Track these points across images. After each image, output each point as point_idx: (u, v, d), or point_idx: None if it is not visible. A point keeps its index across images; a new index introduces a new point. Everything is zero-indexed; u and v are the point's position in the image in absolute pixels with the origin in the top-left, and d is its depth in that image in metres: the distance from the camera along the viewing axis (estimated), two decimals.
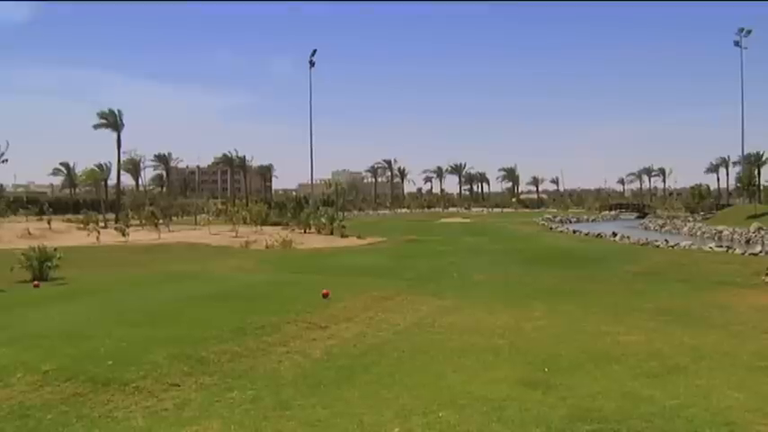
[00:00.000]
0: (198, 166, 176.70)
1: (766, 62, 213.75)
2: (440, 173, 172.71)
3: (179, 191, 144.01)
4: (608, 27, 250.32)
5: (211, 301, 17.01)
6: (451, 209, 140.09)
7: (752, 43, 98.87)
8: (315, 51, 78.49)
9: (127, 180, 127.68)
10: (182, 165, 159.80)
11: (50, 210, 69.38)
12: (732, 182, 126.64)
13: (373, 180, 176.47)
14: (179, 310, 15.57)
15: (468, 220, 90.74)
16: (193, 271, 26.23)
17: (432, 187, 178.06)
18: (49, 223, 58.51)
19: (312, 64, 78.83)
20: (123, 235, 49.16)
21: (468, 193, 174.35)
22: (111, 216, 72.80)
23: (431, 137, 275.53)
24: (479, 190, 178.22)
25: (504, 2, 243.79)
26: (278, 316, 14.86)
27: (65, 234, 52.43)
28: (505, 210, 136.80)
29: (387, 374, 10.39)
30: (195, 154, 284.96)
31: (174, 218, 73.52)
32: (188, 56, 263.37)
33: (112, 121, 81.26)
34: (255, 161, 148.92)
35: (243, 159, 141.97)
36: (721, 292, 21.32)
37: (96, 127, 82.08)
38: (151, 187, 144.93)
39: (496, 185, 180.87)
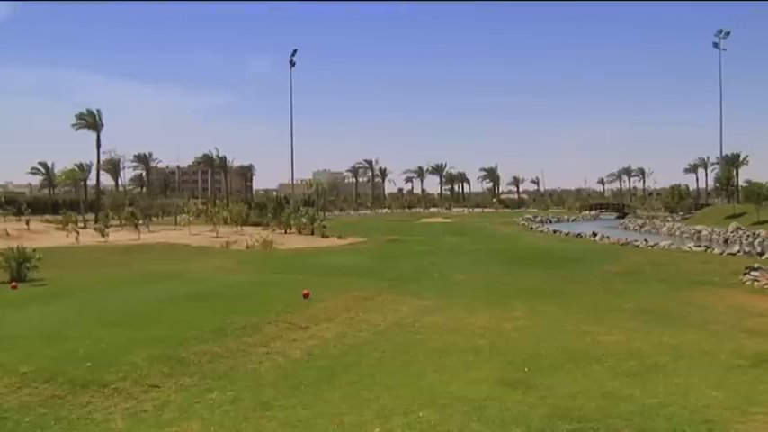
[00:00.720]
0: (178, 166, 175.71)
1: (745, 63, 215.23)
2: (420, 173, 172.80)
3: (159, 191, 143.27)
4: (588, 28, 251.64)
5: (191, 302, 16.94)
6: (432, 209, 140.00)
7: (731, 44, 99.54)
8: (295, 51, 78.49)
9: (106, 180, 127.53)
10: (161, 165, 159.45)
11: (29, 210, 68.58)
12: (711, 182, 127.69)
13: (354, 180, 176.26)
14: (159, 311, 15.50)
15: (448, 221, 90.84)
16: (173, 271, 26.09)
17: (412, 187, 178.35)
18: (27, 224, 57.94)
19: (292, 64, 78.82)
20: (103, 235, 48.81)
21: (448, 193, 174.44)
22: (91, 216, 72.20)
23: (411, 137, 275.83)
24: (460, 190, 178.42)
25: (485, 2, 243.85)
26: (258, 316, 14.83)
27: (43, 234, 52.01)
28: (486, 210, 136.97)
29: (367, 375, 10.41)
30: (175, 154, 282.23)
31: (154, 218, 73.09)
32: (167, 56, 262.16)
33: (92, 121, 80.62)
34: (236, 161, 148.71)
35: (223, 159, 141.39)
36: (700, 292, 21.47)
37: (75, 127, 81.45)
38: (131, 187, 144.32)
39: (477, 185, 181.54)
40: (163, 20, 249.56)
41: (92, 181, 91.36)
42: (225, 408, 8.70)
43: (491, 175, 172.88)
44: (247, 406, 8.77)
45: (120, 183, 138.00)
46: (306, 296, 17.63)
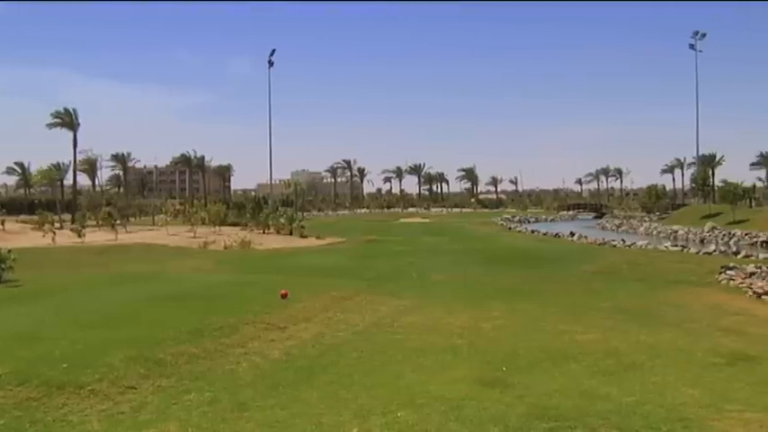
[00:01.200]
0: (156, 166, 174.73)
1: (722, 63, 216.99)
2: (399, 173, 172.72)
3: (136, 191, 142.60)
4: (566, 28, 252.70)
5: (169, 303, 16.83)
6: (411, 209, 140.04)
7: (708, 45, 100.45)
8: (273, 51, 78.22)
9: (83, 180, 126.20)
10: (139, 165, 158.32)
11: (4, 210, 67.99)
12: (687, 182, 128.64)
13: (332, 180, 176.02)
14: (136, 312, 15.37)
15: (427, 221, 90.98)
16: (151, 272, 25.94)
17: (391, 187, 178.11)
18: (2, 224, 57.49)
19: (271, 64, 78.54)
20: (79, 236, 48.36)
21: (427, 193, 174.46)
22: (67, 217, 71.66)
23: (390, 137, 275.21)
24: (438, 190, 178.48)
25: (467, 1, 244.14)
26: (236, 317, 14.77)
27: (19, 235, 51.56)
28: (464, 210, 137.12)
29: (345, 375, 10.40)
30: (153, 154, 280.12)
31: (132, 218, 72.66)
32: (146, 55, 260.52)
33: (68, 120, 79.95)
34: (214, 161, 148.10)
35: (201, 159, 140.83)
36: (676, 291, 21.66)
37: (51, 126, 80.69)
38: (108, 187, 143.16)
39: (455, 185, 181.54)
40: (141, 19, 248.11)
41: (68, 181, 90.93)
42: (202, 409, 8.66)
43: (469, 175, 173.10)
44: (225, 407, 8.72)
45: (97, 183, 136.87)
46: (284, 296, 17.58)
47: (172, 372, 10.43)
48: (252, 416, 8.33)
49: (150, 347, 11.57)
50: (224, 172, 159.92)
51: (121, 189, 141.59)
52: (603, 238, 51.58)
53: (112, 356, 10.75)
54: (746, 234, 55.74)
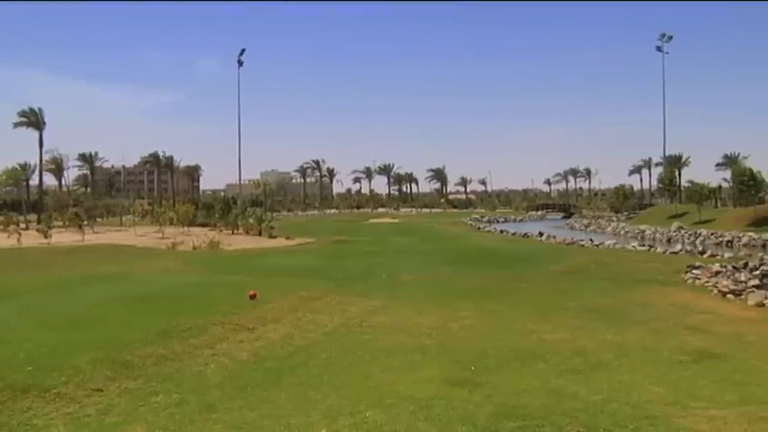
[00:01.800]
0: (123, 166, 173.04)
1: (688, 65, 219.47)
2: (369, 173, 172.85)
3: (104, 191, 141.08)
4: (536, 29, 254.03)
5: (136, 304, 16.68)
6: (380, 209, 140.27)
7: (676, 46, 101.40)
8: (243, 51, 78.35)
9: (49, 180, 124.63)
10: (107, 165, 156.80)
11: None
12: (654, 183, 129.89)
13: (302, 180, 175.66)
14: (103, 313, 15.21)
15: (396, 221, 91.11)
16: (118, 273, 25.70)
17: (361, 188, 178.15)
18: None
19: (240, 63, 78.47)
20: (45, 236, 47.82)
21: (396, 193, 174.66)
22: (33, 217, 70.79)
23: (359, 137, 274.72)
24: (408, 190, 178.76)
25: (432, 2, 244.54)
26: (204, 318, 14.67)
27: None
28: (434, 210, 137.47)
29: (314, 375, 10.37)
30: (121, 154, 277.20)
31: (99, 219, 72.04)
32: (114, 55, 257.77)
33: (34, 120, 79.31)
34: (183, 161, 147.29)
35: (170, 159, 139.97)
36: (644, 290, 21.88)
37: (16, 126, 79.95)
38: (75, 187, 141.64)
39: (425, 186, 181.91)
40: (109, 19, 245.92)
41: (34, 181, 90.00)
42: (170, 411, 8.59)
43: (439, 175, 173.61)
44: (193, 409, 8.66)
45: (63, 183, 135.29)
46: (253, 297, 17.49)
47: (139, 373, 10.33)
48: (220, 417, 8.27)
49: (117, 349, 11.46)
50: (193, 172, 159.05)
51: (89, 189, 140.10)
52: (572, 238, 51.96)
53: (79, 359, 10.62)
54: (712, 234, 56.63)
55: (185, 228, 58.60)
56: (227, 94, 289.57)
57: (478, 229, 72.49)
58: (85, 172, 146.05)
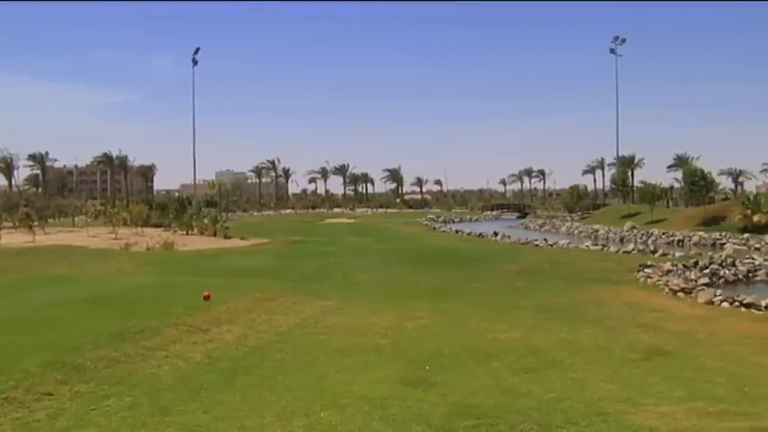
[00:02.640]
0: (76, 166, 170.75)
1: (643, 64, 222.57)
2: (324, 173, 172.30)
3: (56, 191, 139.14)
4: (490, 30, 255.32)
5: (88, 306, 16.44)
6: (336, 209, 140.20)
7: (630, 47, 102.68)
8: (198, 49, 77.72)
9: None
10: (58, 164, 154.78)
11: None
12: (608, 183, 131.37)
13: (257, 180, 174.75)
14: (53, 316, 14.94)
15: (352, 221, 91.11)
16: (70, 274, 25.29)
17: (316, 188, 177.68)
18: None
19: (195, 62, 77.80)
20: None
21: (352, 193, 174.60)
22: None
23: (315, 138, 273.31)
24: (364, 191, 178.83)
25: (384, 1, 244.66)
26: (158, 319, 14.51)
27: None
28: (390, 210, 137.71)
29: (269, 376, 10.32)
30: (73, 153, 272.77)
31: (51, 220, 70.93)
32: (64, 52, 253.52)
33: None
34: (137, 161, 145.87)
35: (124, 159, 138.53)
36: (597, 289, 22.17)
37: None
38: (26, 188, 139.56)
39: (381, 186, 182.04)
40: (59, 16, 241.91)
41: None
42: (122, 414, 8.47)
43: (394, 175, 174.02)
44: (145, 412, 8.55)
45: (13, 183, 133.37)
46: (207, 298, 17.33)
47: (91, 377, 10.18)
48: (173, 420, 8.18)
49: (68, 352, 11.27)
50: (147, 172, 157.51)
51: (40, 189, 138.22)
52: (526, 238, 52.40)
53: (28, 362, 10.43)
54: (663, 233, 57.55)
55: (139, 228, 58.00)
56: (182, 93, 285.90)
57: (434, 229, 72.76)
58: (36, 172, 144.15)
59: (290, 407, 8.59)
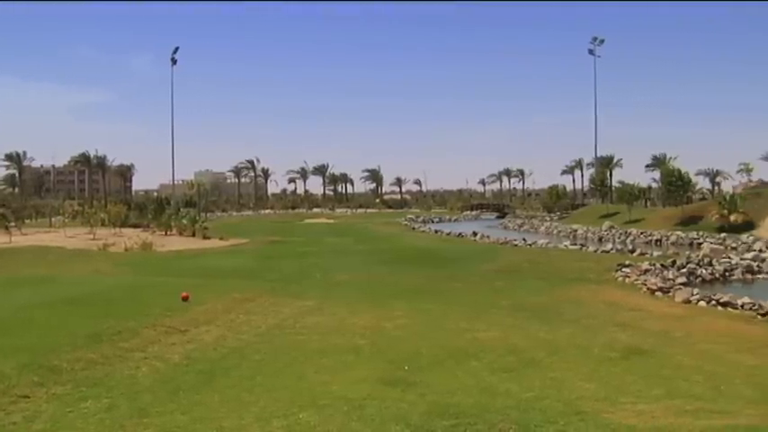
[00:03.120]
0: (53, 166, 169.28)
1: (621, 65, 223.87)
2: (304, 174, 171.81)
3: (33, 191, 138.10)
4: (469, 30, 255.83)
5: (65, 307, 16.32)
6: (316, 209, 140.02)
7: (609, 48, 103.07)
8: (177, 49, 77.52)
9: None
10: (36, 164, 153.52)
11: None
12: (586, 183, 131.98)
13: (236, 180, 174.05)
14: (30, 317, 14.81)
15: (332, 221, 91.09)
16: (47, 275, 25.08)
17: (296, 188, 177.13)
18: None
19: (174, 62, 77.46)
20: None
21: (332, 193, 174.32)
22: None
23: (294, 138, 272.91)
24: (343, 191, 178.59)
25: (365, 1, 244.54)
26: (136, 320, 14.42)
27: None
28: (369, 210, 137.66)
29: (247, 377, 10.29)
30: (51, 153, 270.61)
31: (27, 220, 70.52)
32: (41, 51, 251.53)
33: None
34: (115, 161, 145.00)
35: (102, 159, 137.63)
36: (575, 289, 22.28)
37: None
38: (2, 187, 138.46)
39: (360, 186, 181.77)
40: (35, 14, 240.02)
41: None
42: (100, 416, 8.41)
43: (374, 175, 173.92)
44: (123, 413, 8.50)
45: None
46: (185, 299, 17.26)
47: (68, 379, 10.10)
48: (151, 422, 8.14)
49: (45, 354, 11.18)
50: (125, 172, 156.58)
51: (16, 189, 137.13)
52: (506, 238, 52.56)
53: (3, 364, 10.33)
54: (641, 233, 58.00)
55: (117, 229, 57.66)
56: (161, 93, 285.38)
57: (413, 229, 72.79)
58: (13, 172, 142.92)
59: (268, 408, 8.57)
